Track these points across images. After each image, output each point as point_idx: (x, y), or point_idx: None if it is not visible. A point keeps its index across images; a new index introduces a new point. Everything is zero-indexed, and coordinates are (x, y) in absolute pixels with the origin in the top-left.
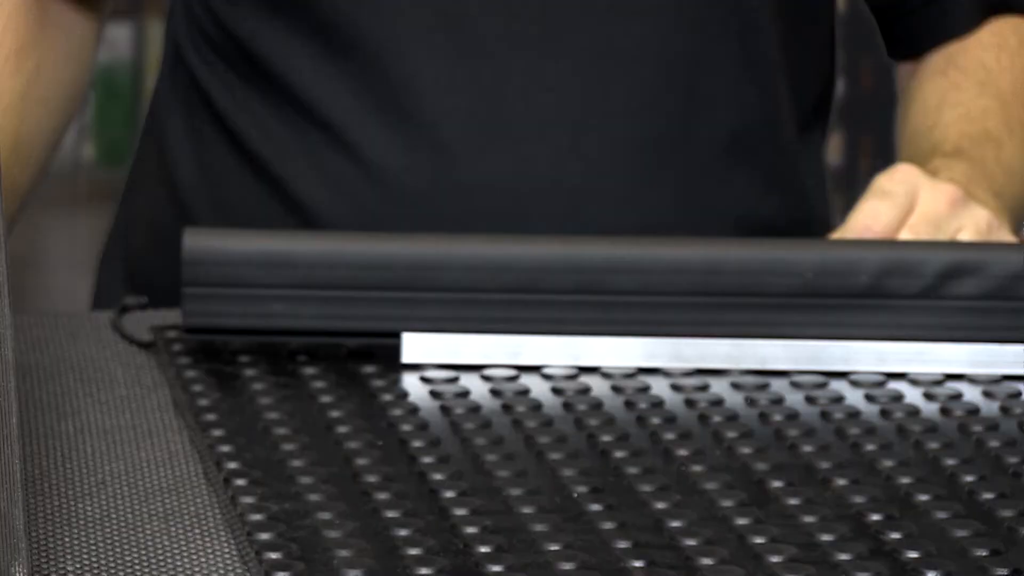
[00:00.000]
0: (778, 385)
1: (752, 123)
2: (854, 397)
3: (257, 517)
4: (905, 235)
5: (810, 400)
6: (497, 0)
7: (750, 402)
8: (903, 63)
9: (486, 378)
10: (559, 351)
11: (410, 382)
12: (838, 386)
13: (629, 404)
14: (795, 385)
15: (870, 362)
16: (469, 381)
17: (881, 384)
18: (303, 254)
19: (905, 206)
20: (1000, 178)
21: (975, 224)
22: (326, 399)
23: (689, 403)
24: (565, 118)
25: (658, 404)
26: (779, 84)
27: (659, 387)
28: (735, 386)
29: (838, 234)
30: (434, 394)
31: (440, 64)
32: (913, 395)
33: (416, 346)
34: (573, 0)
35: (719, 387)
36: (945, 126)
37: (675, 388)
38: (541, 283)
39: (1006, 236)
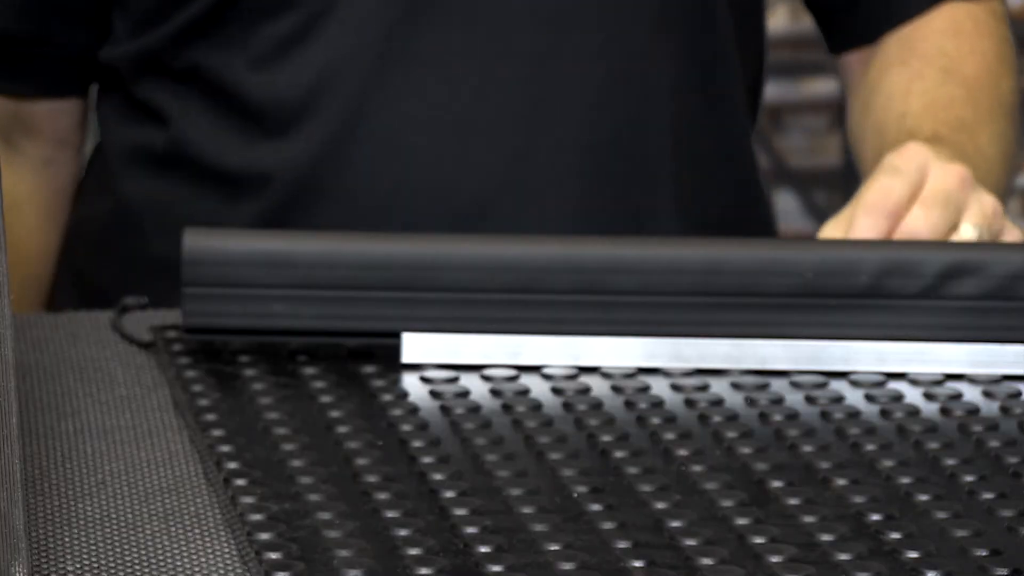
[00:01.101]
0: (778, 385)
1: (700, 120)
2: (854, 397)
3: (257, 517)
4: (916, 211)
5: (810, 400)
6: (445, 7)
7: (750, 402)
8: (849, 54)
9: (486, 378)
10: (559, 351)
11: (410, 382)
12: (838, 386)
13: (629, 404)
14: (795, 385)
15: (870, 362)
16: (469, 381)
17: (881, 384)
18: (303, 254)
19: (916, 182)
20: (980, 165)
21: (981, 208)
22: (326, 399)
23: (689, 403)
24: (515, 121)
25: (658, 404)
26: (727, 79)
27: (659, 387)
28: (735, 386)
29: (849, 211)
30: (434, 394)
31: (391, 71)
32: (913, 395)
33: (416, 346)
34: (520, 4)
35: (719, 387)
36: (916, 115)
37: (675, 388)
38: (541, 283)
39: (1008, 225)
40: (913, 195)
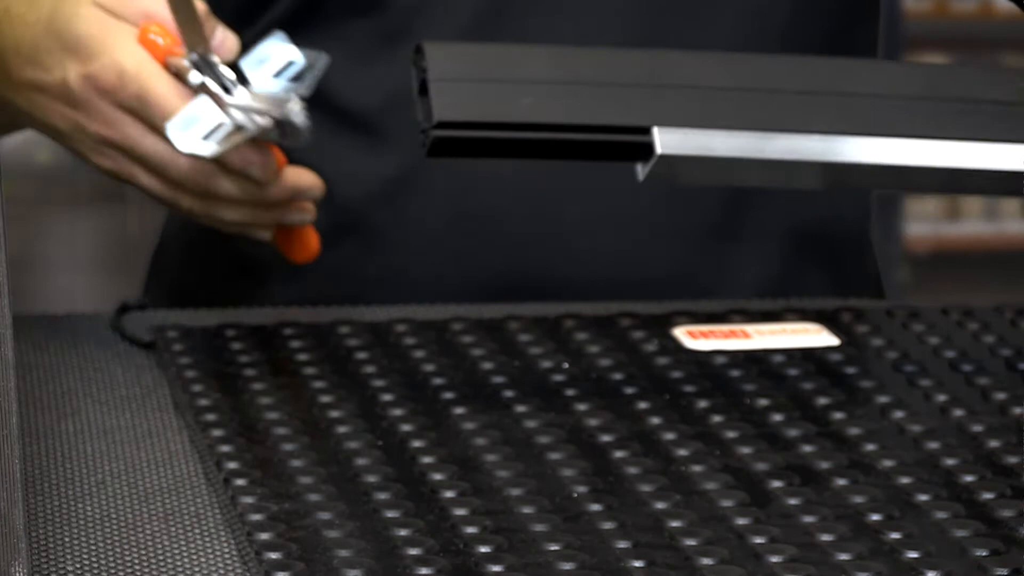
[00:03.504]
0: (779, 386)
1: None
2: (854, 398)
3: (257, 517)
4: None
5: (811, 400)
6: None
7: (751, 402)
8: None
9: (487, 379)
10: (807, 148)
11: (411, 382)
12: (838, 388)
13: (629, 403)
14: (796, 385)
15: None
16: (470, 382)
17: (881, 386)
18: (550, 51)
19: None
20: None
21: None
22: (326, 399)
23: (689, 402)
24: None
25: (658, 404)
26: None
27: (660, 386)
28: (736, 386)
29: None
30: (434, 394)
31: None
32: (913, 395)
33: (668, 140)
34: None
35: (720, 387)
36: None
37: (676, 387)
38: (785, 81)
39: None
40: None
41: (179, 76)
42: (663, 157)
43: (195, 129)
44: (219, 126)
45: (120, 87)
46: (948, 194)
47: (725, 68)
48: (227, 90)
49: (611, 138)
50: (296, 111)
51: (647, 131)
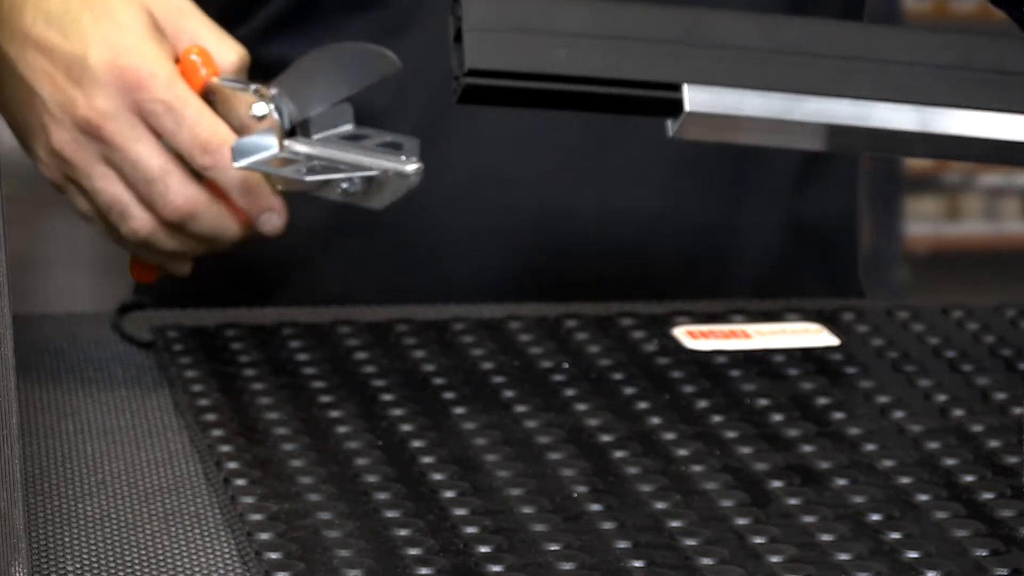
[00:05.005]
0: (779, 386)
1: None
2: (854, 398)
3: (257, 517)
4: None
5: (811, 400)
6: None
7: (751, 402)
8: None
9: (487, 379)
10: (836, 112)
11: (411, 382)
12: (838, 388)
13: (629, 403)
14: (796, 385)
15: None
16: (470, 382)
17: (881, 386)
18: (586, 4)
19: None
20: None
21: None
22: (326, 399)
23: (689, 402)
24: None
25: (658, 404)
26: None
27: (660, 386)
28: (736, 386)
29: None
30: (434, 394)
31: None
32: (913, 395)
33: (698, 98)
34: None
35: (720, 387)
36: None
37: (676, 387)
38: (817, 45)
39: None
40: None
41: (213, 105)
42: (692, 114)
43: (256, 156)
44: (280, 157)
45: (149, 88)
46: (983, 163)
47: (759, 29)
48: (292, 132)
49: (641, 93)
50: (412, 168)
51: (678, 88)
